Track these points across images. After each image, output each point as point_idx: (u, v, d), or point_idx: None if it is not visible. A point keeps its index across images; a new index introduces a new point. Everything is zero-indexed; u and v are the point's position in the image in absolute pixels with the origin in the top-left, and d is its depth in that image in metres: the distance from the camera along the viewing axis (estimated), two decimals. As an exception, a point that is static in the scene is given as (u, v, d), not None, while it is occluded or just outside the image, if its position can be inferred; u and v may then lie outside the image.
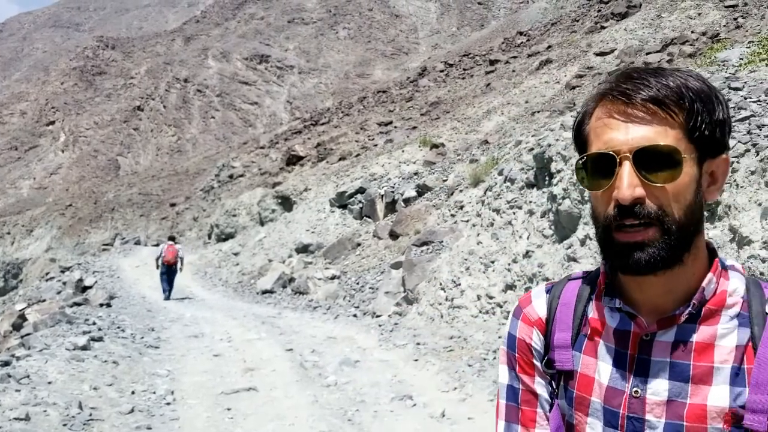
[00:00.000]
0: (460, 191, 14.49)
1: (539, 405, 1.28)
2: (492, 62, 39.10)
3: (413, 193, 17.65)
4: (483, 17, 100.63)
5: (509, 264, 9.85)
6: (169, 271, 16.71)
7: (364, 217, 19.46)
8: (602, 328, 1.20)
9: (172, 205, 48.50)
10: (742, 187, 5.88)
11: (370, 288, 13.63)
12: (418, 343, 9.25)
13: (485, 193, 12.29)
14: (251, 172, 39.61)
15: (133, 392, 7.46)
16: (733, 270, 1.16)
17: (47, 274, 27.65)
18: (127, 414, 6.62)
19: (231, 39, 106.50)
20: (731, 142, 6.27)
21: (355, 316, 12.35)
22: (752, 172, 5.91)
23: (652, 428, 1.12)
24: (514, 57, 38.06)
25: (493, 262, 10.29)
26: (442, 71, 46.28)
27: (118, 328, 11.43)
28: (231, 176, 41.09)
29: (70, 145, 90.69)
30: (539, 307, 1.30)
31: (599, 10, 36.61)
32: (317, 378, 8.06)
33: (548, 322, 1.27)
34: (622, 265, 1.09)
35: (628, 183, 1.05)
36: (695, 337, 1.12)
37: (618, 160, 1.07)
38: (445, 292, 10.75)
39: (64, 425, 6.00)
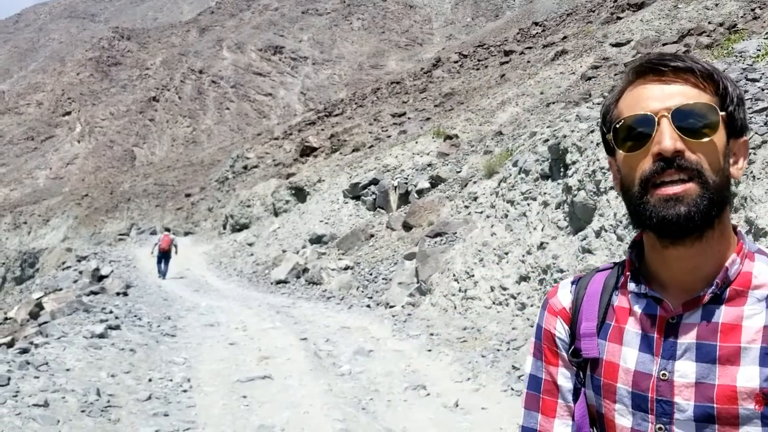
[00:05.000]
0: (474, 183, 14.47)
1: (560, 396, 1.30)
2: (507, 53, 38.87)
3: (426, 185, 17.64)
4: (498, 7, 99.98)
5: (523, 255, 9.84)
6: (164, 256, 19.57)
7: (378, 209, 19.49)
8: (628, 315, 1.21)
9: (188, 195, 48.75)
10: (758, 178, 5.84)
11: (383, 279, 13.67)
12: (432, 334, 9.29)
13: (499, 184, 12.27)
14: (265, 163, 39.69)
15: (150, 380, 7.55)
16: (761, 254, 1.18)
17: (64, 263, 27.92)
18: (145, 401, 6.71)
19: (245, 30, 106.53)
20: (748, 134, 6.23)
21: (368, 306, 12.40)
22: (769, 164, 5.87)
23: (682, 411, 1.12)
24: (529, 48, 37.82)
25: (507, 253, 10.29)
26: (456, 62, 46.09)
27: (135, 316, 11.55)
28: (245, 167, 41.20)
29: (86, 135, 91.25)
30: (564, 298, 1.33)
31: (615, 1, 36.26)
32: (331, 367, 8.11)
33: (574, 312, 1.29)
34: (660, 221, 1.09)
35: (669, 135, 1.08)
36: (721, 318, 1.12)
37: (656, 119, 1.10)
38: (458, 283, 10.77)
39: (83, 412, 6.08)
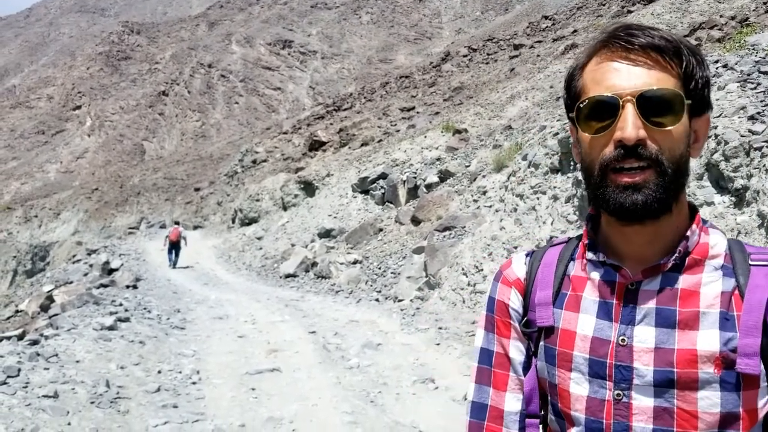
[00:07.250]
0: (483, 177, 14.42)
1: (512, 368, 1.29)
2: (516, 47, 38.70)
3: (435, 179, 17.60)
4: (507, 1, 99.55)
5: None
6: (173, 247, 21.19)
7: (386, 203, 19.47)
8: (585, 283, 1.22)
9: (197, 189, 48.87)
10: (771, 172, 5.78)
11: (392, 273, 13.66)
12: (440, 328, 9.27)
13: (509, 178, 12.23)
14: (274, 158, 39.72)
15: (159, 371, 7.58)
16: (713, 227, 1.21)
17: (74, 256, 28.06)
18: (154, 392, 6.74)
19: (254, 24, 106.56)
20: (761, 127, 6.17)
21: (377, 300, 12.40)
22: (782, 157, 5.81)
23: (641, 376, 1.13)
24: (539, 41, 37.64)
25: (516, 247, 10.26)
26: (465, 56, 45.92)
27: (145, 309, 11.60)
28: (254, 161, 41.23)
29: (96, 129, 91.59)
30: (518, 269, 1.32)
31: (626, -6, 35.98)
32: (340, 360, 8.12)
33: (528, 282, 1.29)
34: (618, 209, 1.10)
35: (632, 123, 1.07)
36: (680, 285, 1.14)
37: (621, 103, 1.09)
38: (467, 277, 10.75)
39: (92, 403, 6.11)
